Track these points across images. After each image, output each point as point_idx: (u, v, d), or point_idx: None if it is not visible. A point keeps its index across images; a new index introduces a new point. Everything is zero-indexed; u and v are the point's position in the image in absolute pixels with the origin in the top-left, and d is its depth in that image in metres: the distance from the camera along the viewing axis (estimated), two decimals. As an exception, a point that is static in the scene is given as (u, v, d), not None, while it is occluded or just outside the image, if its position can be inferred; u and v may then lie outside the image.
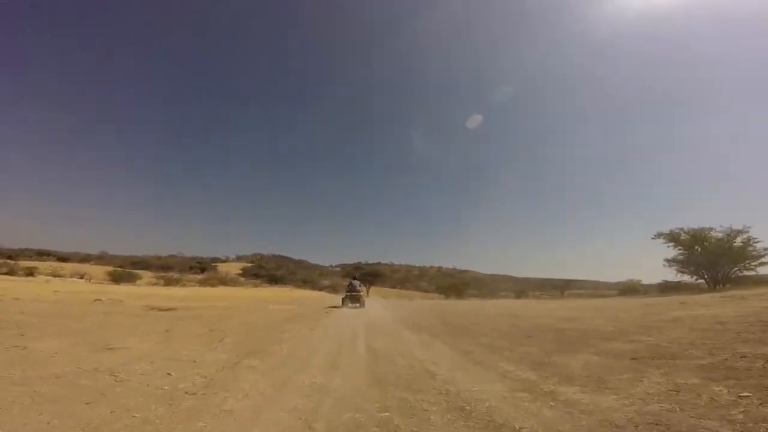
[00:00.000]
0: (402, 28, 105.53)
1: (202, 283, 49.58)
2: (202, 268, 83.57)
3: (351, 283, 21.22)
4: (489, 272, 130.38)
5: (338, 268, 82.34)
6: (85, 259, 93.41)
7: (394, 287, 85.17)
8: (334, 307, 20.05)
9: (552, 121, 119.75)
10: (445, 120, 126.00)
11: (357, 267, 55.52)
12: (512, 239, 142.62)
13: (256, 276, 69.16)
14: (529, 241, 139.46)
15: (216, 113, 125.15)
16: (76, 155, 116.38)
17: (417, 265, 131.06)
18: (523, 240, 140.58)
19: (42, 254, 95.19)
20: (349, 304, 19.81)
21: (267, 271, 77.61)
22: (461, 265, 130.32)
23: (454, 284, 49.33)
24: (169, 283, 43.45)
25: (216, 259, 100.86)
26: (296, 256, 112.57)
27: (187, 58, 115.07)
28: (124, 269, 52.77)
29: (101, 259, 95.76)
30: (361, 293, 21.39)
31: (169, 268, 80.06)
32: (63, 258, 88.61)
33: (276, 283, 61.85)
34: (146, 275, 50.95)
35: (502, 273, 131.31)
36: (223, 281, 53.26)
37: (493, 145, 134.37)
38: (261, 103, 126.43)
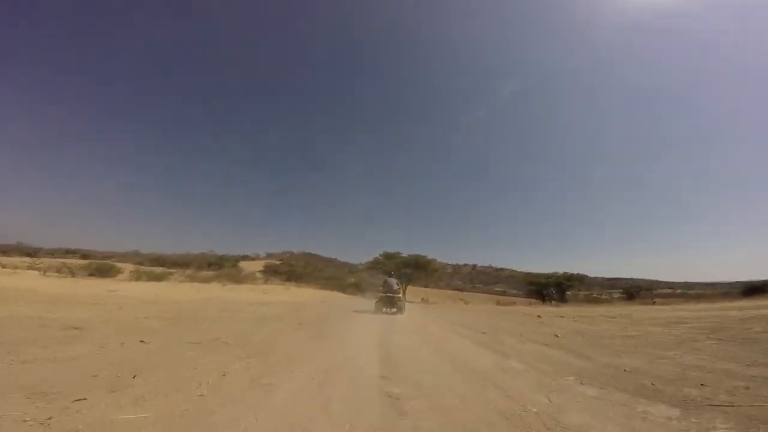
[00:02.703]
0: (410, 24, 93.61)
1: (193, 279, 39.01)
2: (220, 265, 76.85)
3: (386, 282, 15.47)
4: (526, 270, 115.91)
5: (369, 268, 68.55)
6: (108, 256, 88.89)
7: (427, 286, 71.82)
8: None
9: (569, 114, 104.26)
10: (468, 115, 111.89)
11: (389, 256, 40.56)
12: (546, 236, 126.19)
13: (276, 273, 57.81)
14: (562, 238, 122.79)
15: (243, 112, 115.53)
16: (111, 155, 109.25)
17: (450, 262, 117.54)
18: (558, 236, 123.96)
19: (69, 252, 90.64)
20: (383, 309, 14.37)
21: (290, 267, 68.01)
22: (497, 263, 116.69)
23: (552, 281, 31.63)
24: (152, 278, 32.28)
25: (246, 257, 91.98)
26: (326, 254, 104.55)
27: (218, 58, 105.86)
28: (105, 262, 42.23)
29: (124, 256, 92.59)
30: (400, 295, 15.46)
31: (187, 265, 74.43)
32: (86, 255, 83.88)
33: (296, 281, 51.17)
34: (128, 269, 38.45)
35: (538, 272, 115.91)
36: (236, 279, 43.25)
37: (519, 139, 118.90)
38: (279, 103, 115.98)
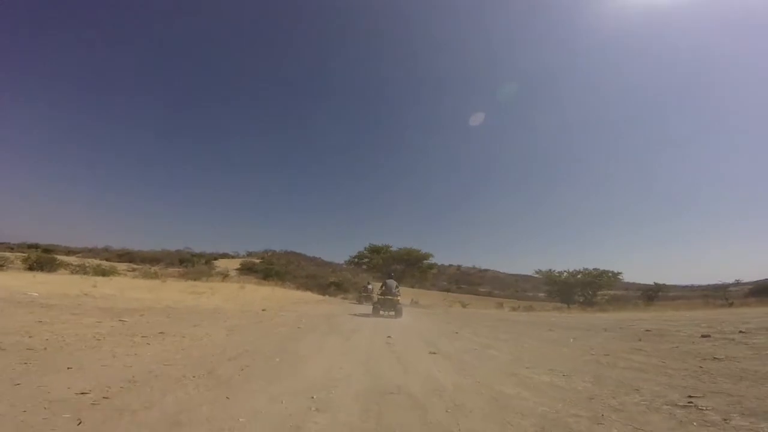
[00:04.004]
0: (406, 23, 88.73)
1: (146, 275, 30.93)
2: (192, 262, 71.33)
3: (386, 284, 13.84)
4: (511, 272, 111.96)
5: (352, 266, 62.58)
6: (75, 252, 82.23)
7: (413, 287, 65.93)
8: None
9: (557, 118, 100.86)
10: (456, 116, 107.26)
11: (376, 249, 33.71)
12: (530, 239, 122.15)
13: (251, 271, 51.92)
14: (548, 239, 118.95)
15: (223, 112, 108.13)
16: (91, 154, 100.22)
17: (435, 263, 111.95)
18: (542, 238, 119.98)
19: (31, 246, 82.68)
20: (381, 312, 13.07)
21: (269, 266, 62.03)
22: (481, 264, 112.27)
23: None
24: (97, 273, 27.22)
25: (225, 255, 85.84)
26: (311, 254, 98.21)
27: (188, 55, 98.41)
28: (45, 255, 36.24)
29: (91, 251, 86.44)
30: (399, 298, 13.67)
31: (158, 261, 68.62)
32: (48, 250, 76.55)
33: (272, 279, 45.12)
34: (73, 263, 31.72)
35: (523, 273, 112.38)
36: (194, 276, 35.97)
37: (507, 142, 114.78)
38: (267, 101, 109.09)
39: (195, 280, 31.23)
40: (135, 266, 50.50)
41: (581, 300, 24.86)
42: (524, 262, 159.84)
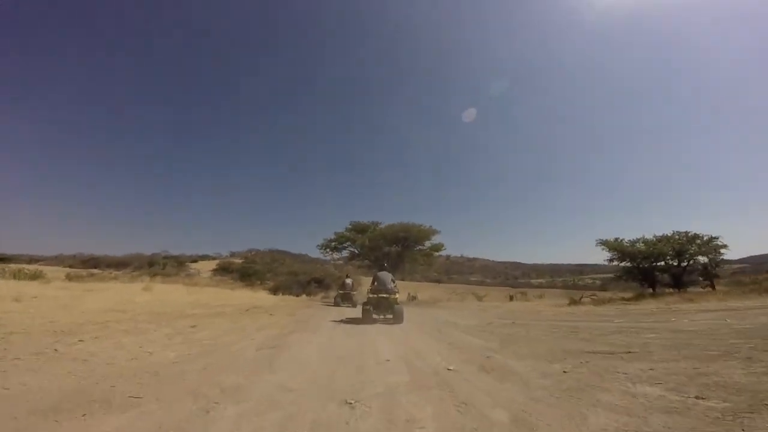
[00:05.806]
0: (398, 21, 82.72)
1: (79, 278, 25.15)
2: (163, 265, 65.97)
3: (377, 278, 10.10)
4: (499, 260, 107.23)
5: (329, 251, 54.47)
6: (35, 260, 76.01)
7: (403, 279, 59.05)
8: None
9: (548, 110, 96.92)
10: (442, 111, 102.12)
11: (361, 228, 25.38)
12: (515, 226, 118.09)
13: (226, 272, 47.42)
14: (532, 228, 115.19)
15: (210, 113, 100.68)
16: (74, 156, 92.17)
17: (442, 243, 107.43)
18: (527, 227, 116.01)
19: None
20: (374, 314, 9.14)
21: (249, 265, 56.35)
22: (469, 253, 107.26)
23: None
24: (28, 278, 22.51)
25: (206, 256, 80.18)
26: (297, 251, 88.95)
27: (175, 56, 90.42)
28: None
29: (56, 259, 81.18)
30: (396, 295, 9.60)
31: (125, 266, 57.57)
32: (8, 259, 69.29)
33: (250, 279, 38.35)
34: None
35: (511, 260, 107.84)
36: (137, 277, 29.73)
37: (494, 136, 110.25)
38: (256, 99, 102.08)
39: (108, 280, 24.76)
40: (96, 272, 45.14)
41: (668, 281, 17.48)
42: (511, 250, 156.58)
